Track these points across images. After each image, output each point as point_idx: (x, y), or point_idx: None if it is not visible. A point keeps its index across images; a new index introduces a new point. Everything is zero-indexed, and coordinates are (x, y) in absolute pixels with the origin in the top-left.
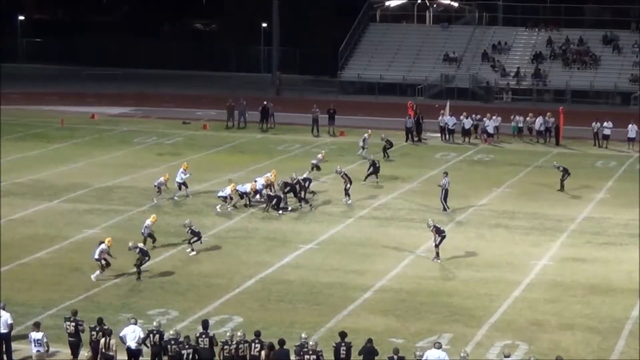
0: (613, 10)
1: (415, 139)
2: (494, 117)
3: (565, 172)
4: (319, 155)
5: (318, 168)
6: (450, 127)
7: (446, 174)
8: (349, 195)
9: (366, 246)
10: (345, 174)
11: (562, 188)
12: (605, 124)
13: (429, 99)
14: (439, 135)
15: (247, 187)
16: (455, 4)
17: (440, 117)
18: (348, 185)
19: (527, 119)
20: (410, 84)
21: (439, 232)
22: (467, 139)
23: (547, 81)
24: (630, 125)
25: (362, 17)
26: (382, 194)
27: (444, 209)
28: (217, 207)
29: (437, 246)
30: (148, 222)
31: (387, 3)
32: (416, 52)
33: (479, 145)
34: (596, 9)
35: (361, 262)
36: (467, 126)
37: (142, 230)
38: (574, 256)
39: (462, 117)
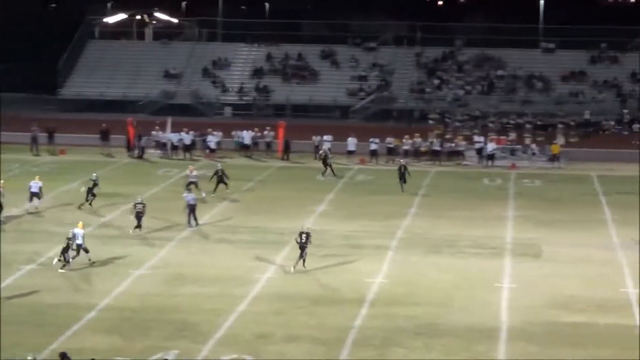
0: (330, 26)
1: (137, 154)
2: (215, 133)
3: None
4: (194, 172)
5: (196, 185)
6: (174, 143)
7: (189, 190)
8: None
9: (91, 265)
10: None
11: None
12: (325, 137)
13: (150, 115)
14: (158, 151)
15: None
16: (175, 21)
17: (155, 133)
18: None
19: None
20: (132, 100)
21: None
22: (188, 155)
23: (268, 96)
24: (349, 139)
25: (81, 34)
26: (106, 213)
27: (189, 224)
28: None
29: None
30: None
31: (105, 19)
32: (136, 69)
33: (202, 161)
34: (314, 24)
35: (86, 280)
36: (187, 142)
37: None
38: (297, 268)
39: (182, 132)
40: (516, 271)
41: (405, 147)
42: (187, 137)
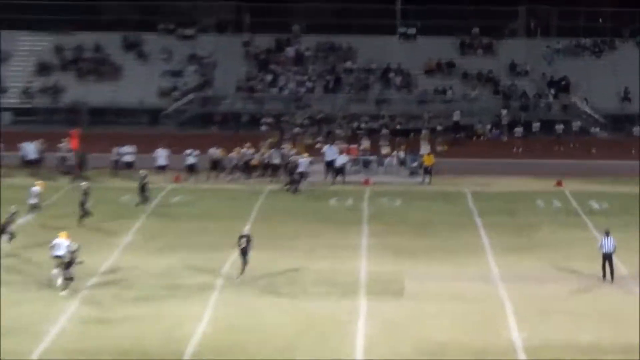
0: (136, 8)
1: None
2: None
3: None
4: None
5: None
6: None
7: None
8: None
9: None
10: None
11: None
12: (126, 148)
13: None
14: None
15: None
16: None
17: None
18: None
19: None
20: None
21: None
22: None
23: (58, 97)
24: (158, 150)
25: None
26: None
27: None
28: None
29: None
30: None
31: None
32: None
33: None
34: (115, 6)
35: None
36: None
37: None
38: (99, 317)
39: None
40: (374, 313)
41: (234, 160)
42: None
